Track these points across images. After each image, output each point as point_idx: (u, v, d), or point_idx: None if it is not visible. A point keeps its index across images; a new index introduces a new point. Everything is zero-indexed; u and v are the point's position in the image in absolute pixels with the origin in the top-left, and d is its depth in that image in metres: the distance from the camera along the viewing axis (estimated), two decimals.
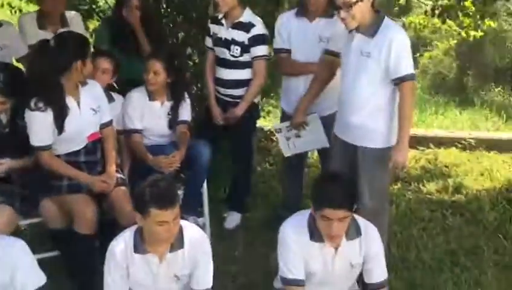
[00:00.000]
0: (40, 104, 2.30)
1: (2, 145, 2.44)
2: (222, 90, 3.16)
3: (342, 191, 2.00)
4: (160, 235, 1.94)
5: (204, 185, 2.98)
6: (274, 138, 4.63)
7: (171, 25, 4.11)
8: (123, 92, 2.96)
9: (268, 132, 4.65)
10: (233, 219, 3.28)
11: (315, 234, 2.08)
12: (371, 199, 2.54)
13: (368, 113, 2.49)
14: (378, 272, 2.12)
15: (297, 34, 2.91)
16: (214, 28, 3.10)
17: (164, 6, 4.09)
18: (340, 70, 2.66)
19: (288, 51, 2.97)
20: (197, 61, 4.09)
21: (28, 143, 2.38)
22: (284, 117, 3.11)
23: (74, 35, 2.50)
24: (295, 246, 2.07)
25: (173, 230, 1.94)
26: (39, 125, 2.34)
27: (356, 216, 2.15)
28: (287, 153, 3.12)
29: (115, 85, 3.03)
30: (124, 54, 3.06)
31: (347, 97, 2.55)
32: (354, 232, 2.10)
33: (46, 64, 2.32)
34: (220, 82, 3.15)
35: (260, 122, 4.61)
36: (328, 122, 2.85)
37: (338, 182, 2.06)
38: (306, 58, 2.90)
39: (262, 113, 4.47)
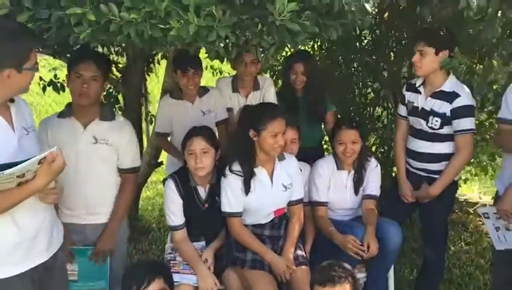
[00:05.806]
0: (236, 167, 2.40)
1: (200, 221, 2.54)
2: (414, 163, 2.85)
3: None
4: None
5: (391, 270, 2.69)
6: (470, 210, 4.08)
7: (360, 84, 3.99)
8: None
9: (463, 202, 4.11)
10: None
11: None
12: None
13: None
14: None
15: None
16: (409, 95, 2.83)
17: (355, 65, 3.99)
18: None
19: None
20: (385, 122, 3.86)
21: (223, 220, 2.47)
22: (498, 200, 2.62)
23: None
24: None
25: None
26: (231, 189, 2.40)
27: None
28: (498, 246, 2.59)
29: None
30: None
31: None
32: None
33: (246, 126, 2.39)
34: (413, 154, 2.84)
35: None
36: None
37: None
38: None
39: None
